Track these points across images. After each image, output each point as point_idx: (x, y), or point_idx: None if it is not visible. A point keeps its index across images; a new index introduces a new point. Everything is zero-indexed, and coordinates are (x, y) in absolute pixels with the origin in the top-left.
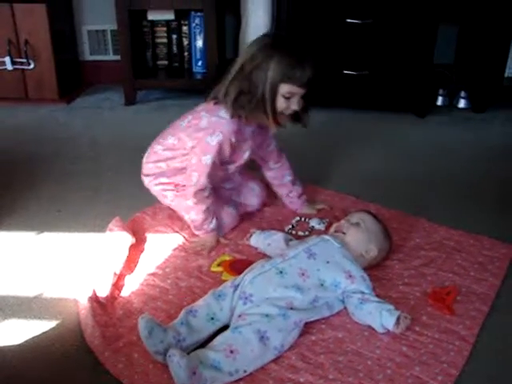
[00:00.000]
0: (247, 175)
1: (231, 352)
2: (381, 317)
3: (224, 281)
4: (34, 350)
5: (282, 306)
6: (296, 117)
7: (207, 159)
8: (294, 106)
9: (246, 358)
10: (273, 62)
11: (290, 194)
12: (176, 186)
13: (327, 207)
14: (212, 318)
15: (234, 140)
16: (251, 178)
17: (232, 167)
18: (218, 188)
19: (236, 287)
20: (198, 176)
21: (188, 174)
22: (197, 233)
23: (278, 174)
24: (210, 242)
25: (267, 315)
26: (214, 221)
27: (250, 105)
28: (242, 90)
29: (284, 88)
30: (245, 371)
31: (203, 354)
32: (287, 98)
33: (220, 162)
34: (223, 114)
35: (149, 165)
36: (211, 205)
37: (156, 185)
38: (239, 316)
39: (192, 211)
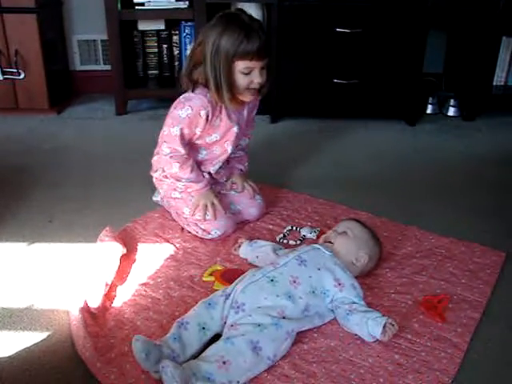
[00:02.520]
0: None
1: (224, 363)
2: (367, 327)
3: (216, 290)
4: (25, 362)
5: (274, 316)
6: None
7: (176, 130)
8: (257, 79)
9: (238, 369)
10: (223, 40)
11: (237, 154)
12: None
13: (253, 191)
14: (203, 328)
15: (205, 115)
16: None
17: (219, 148)
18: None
19: (227, 296)
20: (167, 146)
21: (159, 145)
22: (198, 186)
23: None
24: (210, 195)
25: (259, 325)
26: (207, 175)
27: (214, 87)
28: (206, 74)
29: (240, 64)
30: (238, 382)
31: (196, 365)
32: (247, 74)
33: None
34: (197, 91)
35: (154, 174)
36: (195, 165)
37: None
38: (231, 326)
39: (182, 175)
